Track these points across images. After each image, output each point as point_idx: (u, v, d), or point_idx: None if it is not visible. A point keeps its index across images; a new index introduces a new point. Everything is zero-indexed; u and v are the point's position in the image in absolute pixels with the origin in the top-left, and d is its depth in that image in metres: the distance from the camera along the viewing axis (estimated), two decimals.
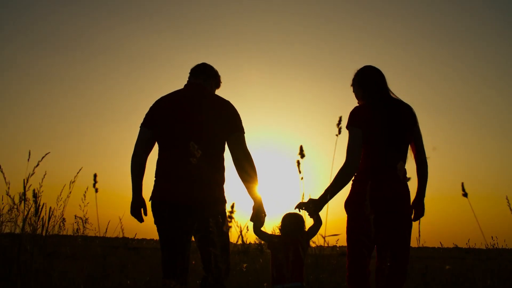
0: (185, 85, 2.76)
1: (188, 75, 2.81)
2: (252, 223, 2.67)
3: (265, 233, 2.70)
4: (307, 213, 2.61)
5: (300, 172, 1.91)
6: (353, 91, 2.78)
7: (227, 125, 2.60)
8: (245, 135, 2.66)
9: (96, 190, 1.67)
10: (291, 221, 2.66)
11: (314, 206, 2.57)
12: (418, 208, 2.64)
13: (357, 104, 2.72)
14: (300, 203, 2.59)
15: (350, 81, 2.81)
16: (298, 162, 1.91)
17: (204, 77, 2.77)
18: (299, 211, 2.62)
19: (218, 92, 2.90)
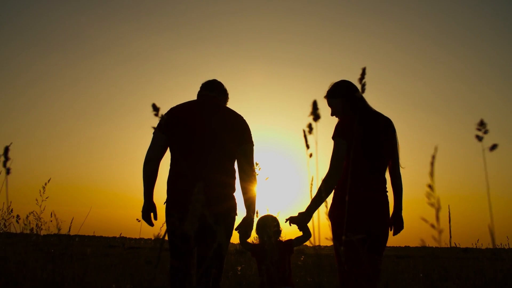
0: (199, 96, 2.91)
1: (199, 89, 2.95)
2: (238, 232, 2.81)
3: (249, 244, 2.86)
4: (297, 227, 2.70)
5: (308, 147, 1.34)
6: (331, 104, 2.81)
7: (238, 137, 2.73)
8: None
9: (8, 171, 1.30)
10: (265, 224, 2.82)
11: (302, 219, 2.65)
12: (398, 222, 2.70)
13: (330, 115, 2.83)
14: (290, 217, 2.70)
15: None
16: (311, 127, 1.33)
17: (218, 91, 2.92)
18: (290, 224, 2.71)
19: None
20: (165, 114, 2.76)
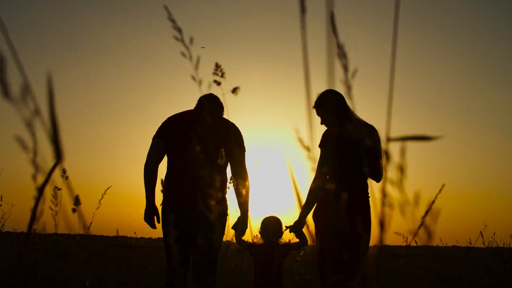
0: (196, 107, 3.12)
1: (197, 102, 3.14)
2: (234, 231, 2.98)
3: (245, 242, 3.02)
4: (294, 235, 2.94)
5: None
6: (319, 114, 2.99)
7: (231, 143, 2.93)
8: (246, 152, 3.00)
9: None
10: (270, 224, 3.00)
11: (297, 227, 2.90)
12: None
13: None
14: (288, 226, 2.93)
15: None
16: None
17: (214, 103, 3.13)
18: (290, 232, 2.93)
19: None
20: (164, 122, 2.98)
